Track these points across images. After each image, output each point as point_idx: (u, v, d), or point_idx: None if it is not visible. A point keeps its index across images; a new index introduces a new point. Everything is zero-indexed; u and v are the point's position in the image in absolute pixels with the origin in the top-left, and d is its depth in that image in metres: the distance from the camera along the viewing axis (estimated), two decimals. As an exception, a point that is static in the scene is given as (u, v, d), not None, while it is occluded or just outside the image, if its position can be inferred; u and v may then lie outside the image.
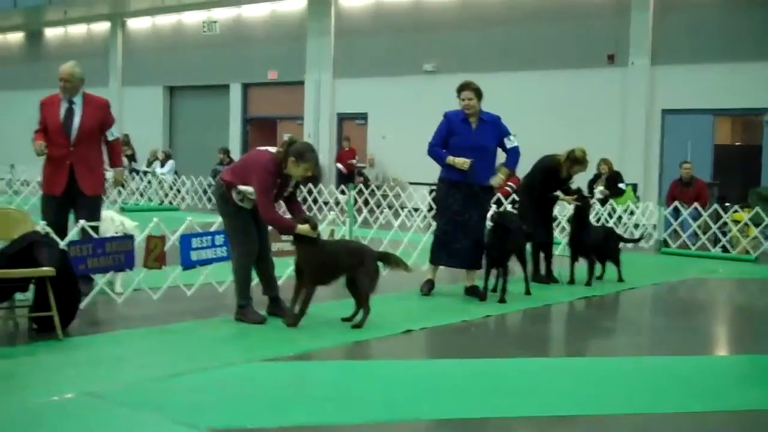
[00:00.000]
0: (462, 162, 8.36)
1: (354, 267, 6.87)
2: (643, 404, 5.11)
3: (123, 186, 8.40)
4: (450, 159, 8.44)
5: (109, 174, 8.51)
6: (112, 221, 8.01)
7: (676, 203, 14.84)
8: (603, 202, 15.35)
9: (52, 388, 4.89)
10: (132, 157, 23.88)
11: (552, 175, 9.81)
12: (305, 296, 6.79)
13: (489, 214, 8.89)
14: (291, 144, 6.78)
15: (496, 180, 8.57)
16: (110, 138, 8.03)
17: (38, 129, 7.83)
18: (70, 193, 7.75)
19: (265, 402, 4.84)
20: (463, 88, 8.50)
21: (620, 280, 10.05)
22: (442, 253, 8.66)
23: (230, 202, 6.91)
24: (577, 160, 9.67)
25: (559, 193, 9.90)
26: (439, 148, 8.58)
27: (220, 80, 26.05)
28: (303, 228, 6.73)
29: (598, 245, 9.96)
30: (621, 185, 16.00)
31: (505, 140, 8.56)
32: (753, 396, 5.45)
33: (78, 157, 7.75)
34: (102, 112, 7.97)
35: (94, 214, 7.72)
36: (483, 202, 8.65)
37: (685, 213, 14.62)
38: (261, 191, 6.69)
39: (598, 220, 14.56)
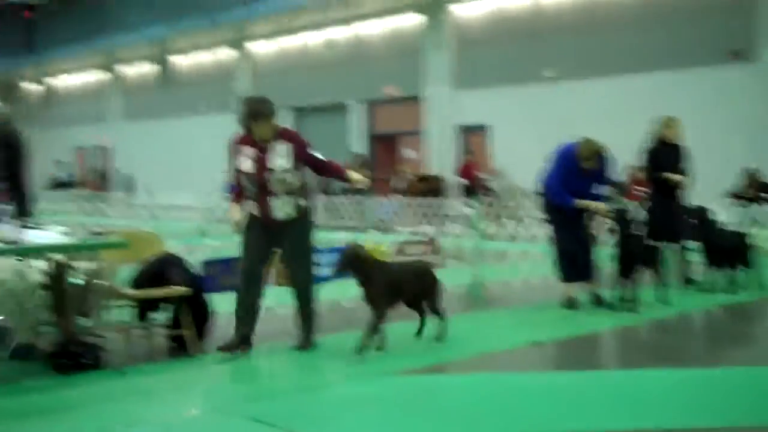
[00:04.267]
0: (600, 209, 8.31)
1: (423, 286, 6.68)
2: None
3: None
4: (589, 205, 8.31)
5: None
6: None
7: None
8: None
9: (184, 404, 5.03)
10: None
11: (657, 151, 9.73)
12: (376, 322, 6.28)
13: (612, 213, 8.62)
14: (244, 106, 6.36)
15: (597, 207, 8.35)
16: None
17: None
18: None
19: (386, 417, 4.82)
20: (590, 156, 8.24)
21: (760, 287, 9.53)
22: (572, 269, 8.44)
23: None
24: (665, 123, 9.73)
25: (670, 175, 9.62)
26: (563, 191, 8.34)
27: (341, 99, 26.43)
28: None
29: (731, 250, 9.53)
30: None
31: (605, 179, 8.43)
32: None
33: None
34: None
35: None
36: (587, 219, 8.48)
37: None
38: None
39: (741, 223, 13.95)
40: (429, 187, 22.20)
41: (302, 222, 6.45)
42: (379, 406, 5.05)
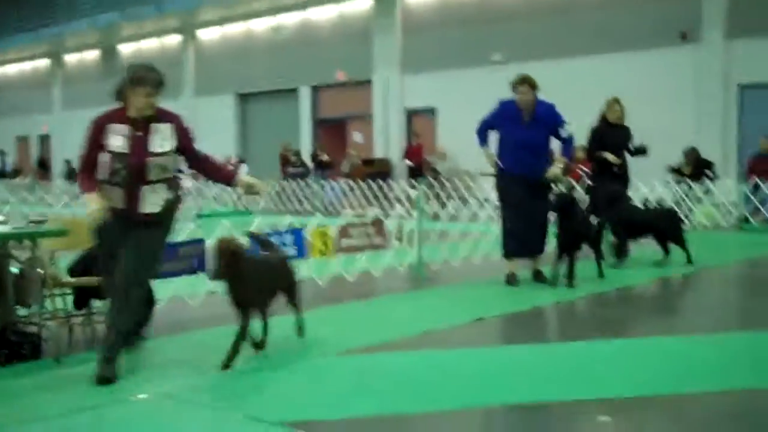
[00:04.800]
0: (490, 160, 8.56)
1: (285, 280, 5.99)
2: (724, 382, 4.98)
3: None
4: (488, 153, 8.60)
5: None
6: None
7: (756, 179, 14.42)
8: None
9: (127, 390, 5.01)
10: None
11: (599, 131, 10.06)
12: (241, 330, 5.51)
13: (551, 197, 8.73)
14: (127, 72, 5.30)
15: (552, 172, 8.40)
16: None
17: None
18: None
19: (335, 394, 4.87)
20: (519, 83, 8.43)
21: (689, 262, 9.65)
22: (514, 245, 8.55)
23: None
24: (609, 105, 10.07)
25: (607, 155, 9.83)
26: (484, 132, 8.66)
27: (289, 84, 26.33)
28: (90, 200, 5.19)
29: (656, 226, 9.75)
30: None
31: (560, 130, 8.41)
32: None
33: None
34: None
35: None
36: (545, 192, 8.53)
37: (766, 188, 14.19)
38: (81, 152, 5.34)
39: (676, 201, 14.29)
40: (375, 169, 22.26)
41: (166, 219, 5.45)
42: (325, 385, 5.08)
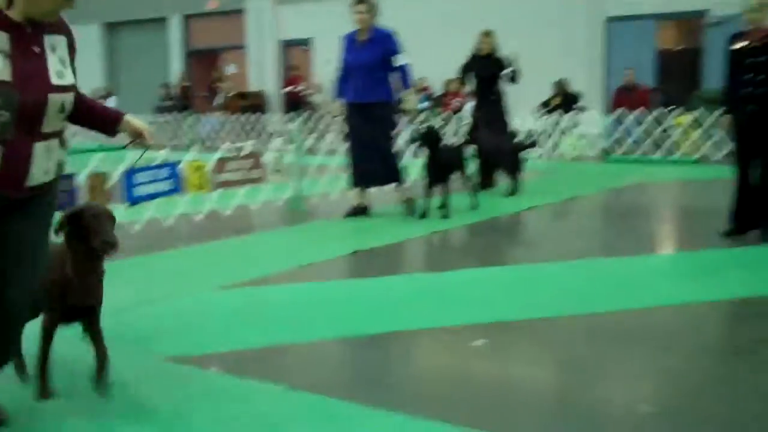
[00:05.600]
0: (336, 112, 8.82)
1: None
2: (588, 305, 5.24)
3: None
4: (336, 107, 8.76)
5: None
6: None
7: (620, 110, 15.00)
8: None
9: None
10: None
11: (467, 62, 10.47)
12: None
13: (412, 132, 8.90)
14: None
15: (409, 104, 8.63)
16: None
17: None
18: None
19: (220, 328, 4.90)
20: (356, 3, 8.50)
21: (510, 194, 9.98)
22: (357, 175, 8.65)
23: None
24: (479, 37, 10.48)
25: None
26: (341, 81, 8.68)
27: (158, 13, 25.46)
28: None
29: (493, 157, 10.16)
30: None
31: (393, 58, 8.41)
32: (689, 289, 5.65)
33: None
34: None
35: None
36: (382, 119, 8.50)
37: (629, 120, 14.79)
38: None
39: (550, 134, 14.75)
40: (250, 103, 21.98)
41: (53, 189, 3.36)
42: (207, 319, 5.10)
